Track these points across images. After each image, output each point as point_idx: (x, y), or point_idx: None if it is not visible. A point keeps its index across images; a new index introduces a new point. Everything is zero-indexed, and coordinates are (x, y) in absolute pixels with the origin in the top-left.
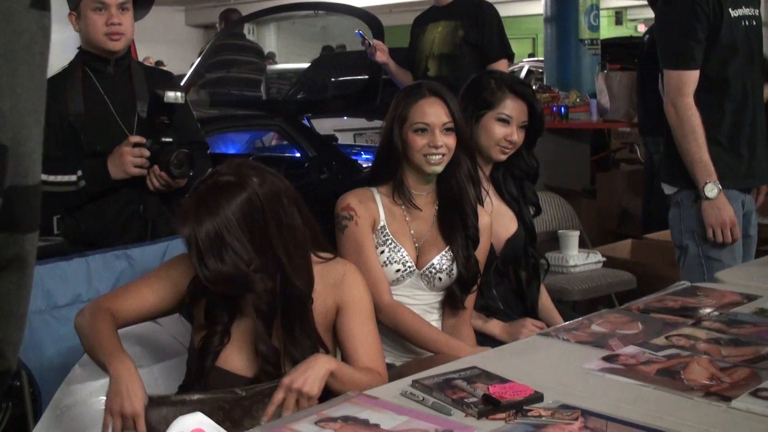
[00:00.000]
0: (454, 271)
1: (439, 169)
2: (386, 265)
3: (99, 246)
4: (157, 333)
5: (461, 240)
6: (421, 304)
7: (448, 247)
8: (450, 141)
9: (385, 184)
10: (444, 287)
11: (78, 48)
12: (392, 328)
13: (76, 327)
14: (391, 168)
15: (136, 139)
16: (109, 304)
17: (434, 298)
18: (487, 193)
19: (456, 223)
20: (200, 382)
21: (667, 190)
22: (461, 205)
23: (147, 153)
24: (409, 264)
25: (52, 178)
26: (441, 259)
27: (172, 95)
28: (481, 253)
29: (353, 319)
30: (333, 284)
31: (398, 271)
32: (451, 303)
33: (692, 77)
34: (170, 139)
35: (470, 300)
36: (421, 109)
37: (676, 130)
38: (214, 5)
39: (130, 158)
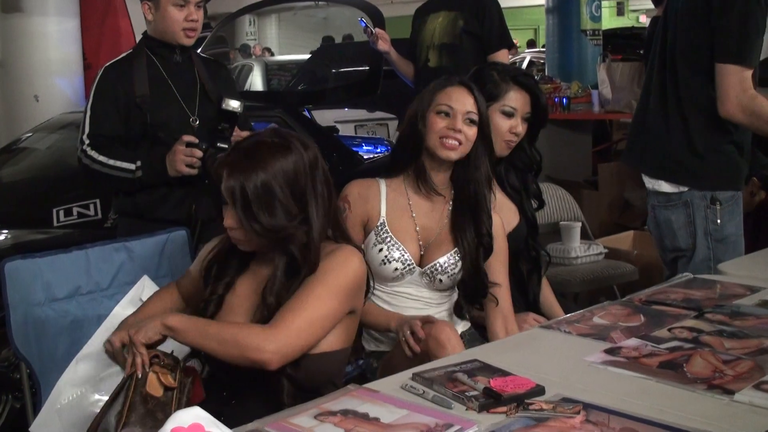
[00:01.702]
0: (458, 276)
1: (454, 156)
2: (384, 264)
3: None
4: None
5: (471, 246)
6: (423, 300)
7: (455, 249)
8: (470, 132)
9: (398, 175)
10: (445, 288)
11: (143, 34)
12: None
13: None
14: (409, 155)
15: (188, 138)
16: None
17: (435, 296)
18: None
19: (468, 227)
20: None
21: (668, 188)
22: (477, 210)
23: (199, 154)
24: (408, 262)
25: (111, 161)
26: (448, 259)
27: (232, 104)
28: (501, 255)
29: (305, 284)
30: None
31: (396, 269)
32: (457, 312)
33: (751, 73)
34: (226, 146)
35: (504, 298)
36: (447, 93)
37: (755, 124)
38: None
39: (181, 157)
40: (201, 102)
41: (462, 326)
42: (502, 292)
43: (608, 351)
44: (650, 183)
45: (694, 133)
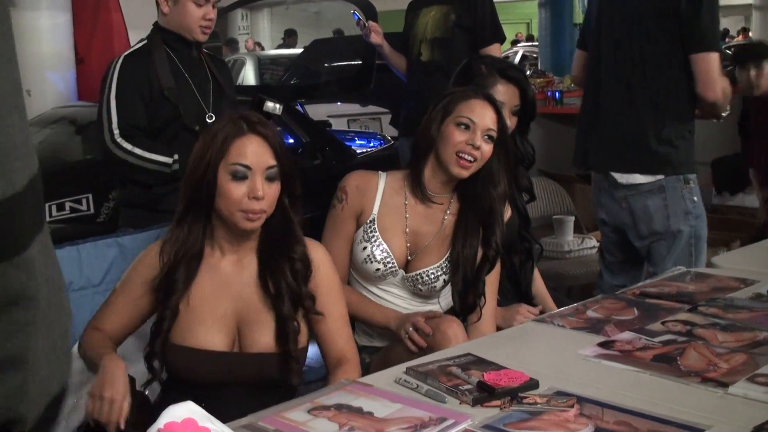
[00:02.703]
0: (438, 287)
1: (466, 174)
2: (366, 262)
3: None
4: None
5: (470, 259)
6: (406, 300)
7: (441, 262)
8: (487, 149)
9: (403, 171)
10: (426, 296)
11: (154, 25)
12: None
13: (83, 358)
14: (417, 158)
15: None
16: (94, 325)
17: (418, 300)
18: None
19: (472, 239)
20: (161, 360)
21: (644, 179)
22: (490, 225)
23: None
24: (390, 265)
25: (148, 155)
26: (434, 271)
27: (271, 106)
28: (494, 274)
29: (328, 289)
30: None
31: (378, 270)
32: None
33: None
34: None
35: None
36: (471, 106)
37: (724, 105)
38: None
39: None
40: (215, 98)
41: None
42: (487, 311)
43: (602, 344)
44: (622, 178)
45: (667, 123)
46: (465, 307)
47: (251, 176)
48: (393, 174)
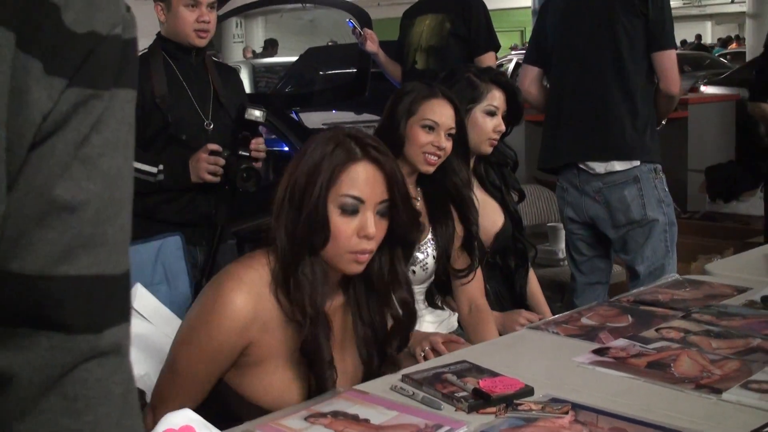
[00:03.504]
0: (429, 266)
1: (432, 170)
2: None
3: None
4: (151, 334)
5: (450, 237)
6: None
7: (424, 241)
8: (449, 146)
9: None
10: (420, 281)
11: (156, 34)
12: None
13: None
14: None
15: (213, 146)
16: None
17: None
18: (472, 187)
19: (448, 219)
20: None
21: (621, 166)
22: (462, 203)
23: (222, 161)
24: None
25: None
26: (425, 247)
27: (254, 113)
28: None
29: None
30: None
31: None
32: (428, 300)
33: None
34: (247, 153)
35: (482, 292)
36: (432, 107)
37: (676, 100)
38: None
39: (205, 164)
40: (214, 106)
41: (447, 326)
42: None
43: (596, 351)
44: (600, 167)
45: (640, 113)
46: (460, 273)
47: (362, 211)
48: None
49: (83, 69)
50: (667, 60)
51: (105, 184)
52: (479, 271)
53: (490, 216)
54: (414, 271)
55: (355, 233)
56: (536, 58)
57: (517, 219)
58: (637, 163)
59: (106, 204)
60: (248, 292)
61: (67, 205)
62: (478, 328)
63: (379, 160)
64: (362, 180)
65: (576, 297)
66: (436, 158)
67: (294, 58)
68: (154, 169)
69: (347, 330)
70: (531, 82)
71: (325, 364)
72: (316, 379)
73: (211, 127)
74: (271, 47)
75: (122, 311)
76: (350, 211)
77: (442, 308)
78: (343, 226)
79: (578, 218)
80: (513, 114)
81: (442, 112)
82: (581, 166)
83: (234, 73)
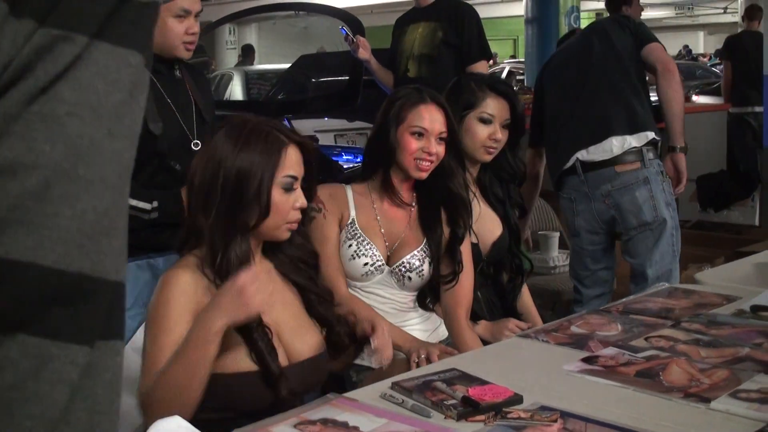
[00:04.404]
0: (425, 272)
1: (425, 175)
2: (354, 258)
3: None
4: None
5: (442, 242)
6: (394, 302)
7: (420, 247)
8: (441, 150)
9: (363, 181)
10: (415, 287)
11: None
12: None
13: (146, 413)
14: (378, 165)
15: None
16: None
17: (406, 297)
18: (474, 195)
19: (438, 224)
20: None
21: (622, 168)
22: (454, 206)
23: None
24: (377, 258)
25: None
26: (411, 258)
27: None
28: (466, 245)
29: None
30: None
31: (366, 264)
32: (420, 302)
33: None
34: None
35: (462, 303)
36: (420, 113)
37: (679, 92)
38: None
39: None
40: (198, 122)
41: (435, 336)
42: (464, 276)
43: (586, 360)
44: (618, 144)
45: (645, 98)
46: (445, 278)
47: (296, 187)
48: (354, 185)
49: (57, 10)
50: (656, 49)
51: (68, 153)
52: (468, 281)
53: (489, 225)
54: (410, 278)
55: (292, 206)
56: (538, 140)
57: (515, 233)
58: (635, 166)
59: (64, 177)
60: (189, 275)
61: (7, 165)
62: (454, 338)
63: (302, 142)
64: (295, 161)
65: (581, 308)
66: (428, 164)
67: (287, 65)
68: (148, 206)
69: (281, 292)
70: (533, 164)
71: (251, 325)
72: (244, 337)
73: (199, 147)
74: (248, 54)
75: (85, 328)
76: (289, 188)
77: (432, 310)
78: (283, 203)
79: (589, 226)
80: (515, 124)
81: (430, 118)
82: (586, 160)
83: (202, 76)
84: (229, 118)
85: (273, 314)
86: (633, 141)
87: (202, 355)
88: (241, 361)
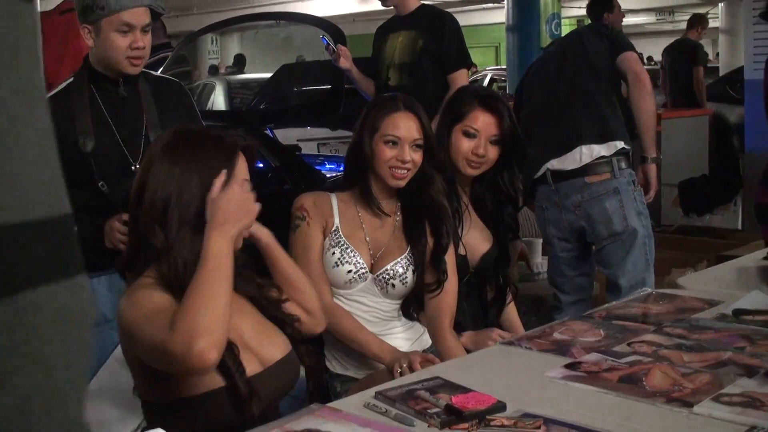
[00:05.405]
0: (408, 280)
1: (402, 183)
2: (338, 265)
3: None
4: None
5: (425, 251)
6: (378, 310)
7: (404, 255)
8: (417, 157)
9: (347, 190)
10: (398, 296)
11: (84, 60)
12: (330, 330)
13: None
14: (358, 174)
15: (126, 217)
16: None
17: (390, 306)
18: (467, 206)
19: (422, 232)
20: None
21: (592, 179)
22: (435, 214)
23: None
24: (361, 265)
25: None
26: (395, 266)
27: None
28: (450, 255)
29: None
30: None
31: (350, 272)
32: (404, 311)
33: None
34: None
35: (446, 312)
36: (393, 121)
37: (649, 102)
38: (177, 15)
39: (118, 236)
40: (145, 145)
41: (419, 344)
42: (448, 285)
43: (568, 366)
44: (587, 153)
45: (615, 107)
46: (429, 287)
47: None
48: (339, 193)
49: None
50: (628, 58)
51: None
52: (452, 290)
53: (481, 236)
54: (394, 285)
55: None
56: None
57: (504, 251)
58: (605, 176)
59: None
60: (155, 290)
61: None
62: (438, 345)
63: (247, 146)
64: (244, 169)
65: (560, 315)
66: (403, 172)
67: (269, 75)
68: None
69: (236, 303)
70: None
71: None
72: None
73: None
74: (239, 64)
75: None
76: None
77: (418, 320)
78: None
79: (561, 234)
80: (504, 142)
81: (403, 126)
82: (556, 169)
83: (175, 87)
84: (176, 130)
85: (233, 328)
86: (602, 150)
87: (223, 276)
88: (209, 380)
